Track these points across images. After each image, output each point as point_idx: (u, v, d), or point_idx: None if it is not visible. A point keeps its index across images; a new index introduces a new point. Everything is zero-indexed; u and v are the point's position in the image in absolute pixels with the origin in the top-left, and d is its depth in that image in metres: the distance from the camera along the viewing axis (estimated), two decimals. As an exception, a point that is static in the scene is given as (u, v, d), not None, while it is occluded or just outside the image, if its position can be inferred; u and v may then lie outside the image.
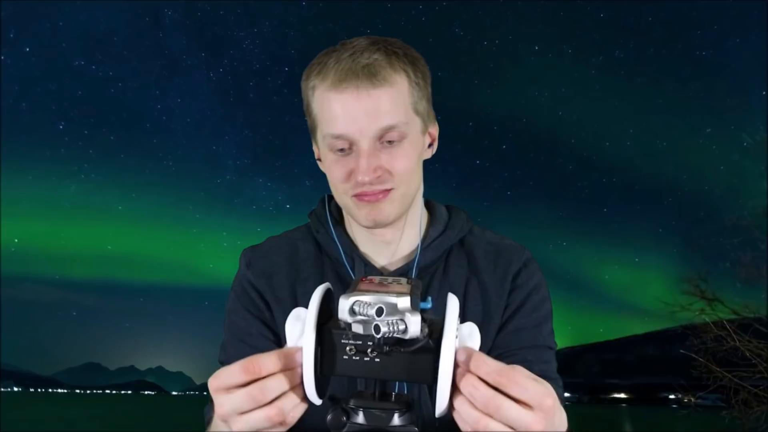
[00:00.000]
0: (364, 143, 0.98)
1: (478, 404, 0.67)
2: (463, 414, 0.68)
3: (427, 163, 1.11)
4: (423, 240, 1.13)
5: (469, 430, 0.69)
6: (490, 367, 0.67)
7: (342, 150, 1.00)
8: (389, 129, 0.98)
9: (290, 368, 0.71)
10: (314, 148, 1.12)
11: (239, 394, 0.70)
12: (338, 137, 0.99)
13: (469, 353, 0.69)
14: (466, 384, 0.67)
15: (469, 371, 0.68)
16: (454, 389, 0.69)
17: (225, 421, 0.73)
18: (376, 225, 1.05)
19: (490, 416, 0.67)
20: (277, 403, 0.70)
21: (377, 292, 0.66)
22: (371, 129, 0.97)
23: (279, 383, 0.70)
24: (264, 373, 0.70)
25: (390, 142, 0.99)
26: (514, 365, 0.69)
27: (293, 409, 0.72)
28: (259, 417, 0.70)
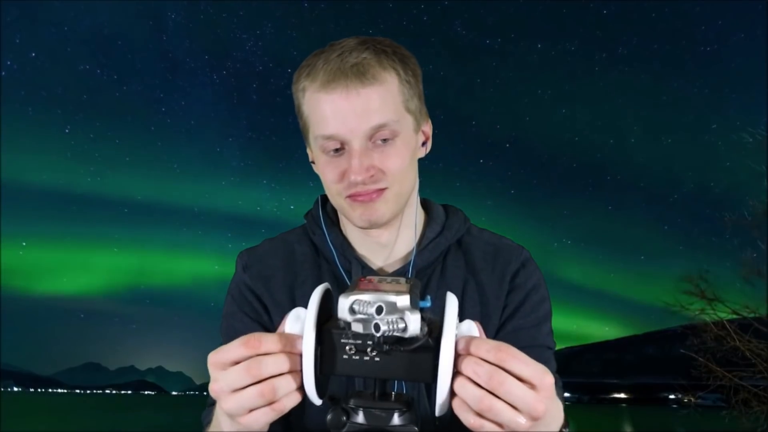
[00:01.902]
0: (356, 143, 0.97)
1: (481, 380, 0.67)
2: (466, 394, 0.67)
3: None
4: (420, 241, 1.12)
5: (471, 418, 0.68)
6: (489, 344, 0.68)
7: (334, 151, 1.00)
8: (380, 128, 0.97)
9: (290, 352, 0.71)
10: (308, 150, 1.11)
11: (236, 368, 0.70)
12: (329, 138, 0.98)
13: (468, 341, 0.69)
14: (468, 363, 0.67)
15: (469, 354, 0.68)
16: (455, 375, 0.68)
17: (217, 398, 0.72)
18: (371, 225, 1.04)
19: (494, 394, 0.67)
20: (272, 381, 0.70)
21: (376, 291, 0.67)
22: (362, 128, 0.96)
23: (277, 362, 0.70)
24: (263, 350, 0.70)
25: (382, 140, 0.99)
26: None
27: (287, 395, 0.71)
28: (251, 394, 0.69)
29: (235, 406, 0.70)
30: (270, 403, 0.71)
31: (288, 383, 0.71)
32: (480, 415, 0.68)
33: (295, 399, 0.72)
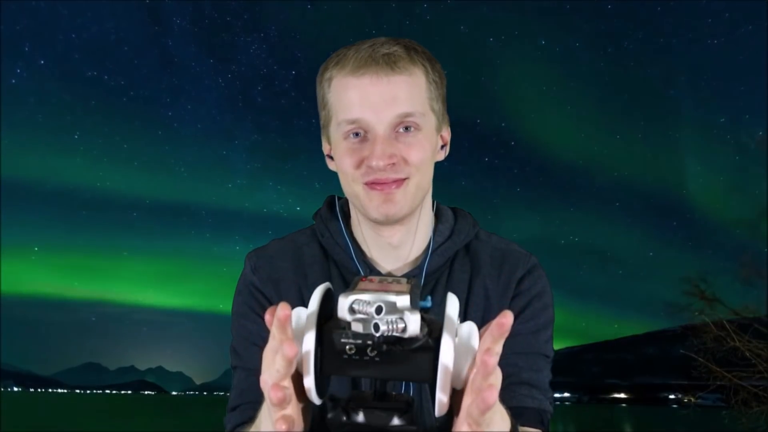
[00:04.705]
0: (380, 129, 0.98)
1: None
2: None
3: (435, 162, 1.11)
4: (429, 245, 1.12)
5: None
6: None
7: (357, 135, 1.00)
8: (406, 116, 0.99)
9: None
10: (324, 145, 1.11)
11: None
12: (354, 122, 0.99)
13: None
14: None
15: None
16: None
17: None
18: (388, 219, 1.02)
19: None
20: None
21: (377, 290, 0.67)
22: (388, 115, 0.98)
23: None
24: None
25: (406, 129, 1.00)
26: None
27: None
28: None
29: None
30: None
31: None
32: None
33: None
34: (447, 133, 1.11)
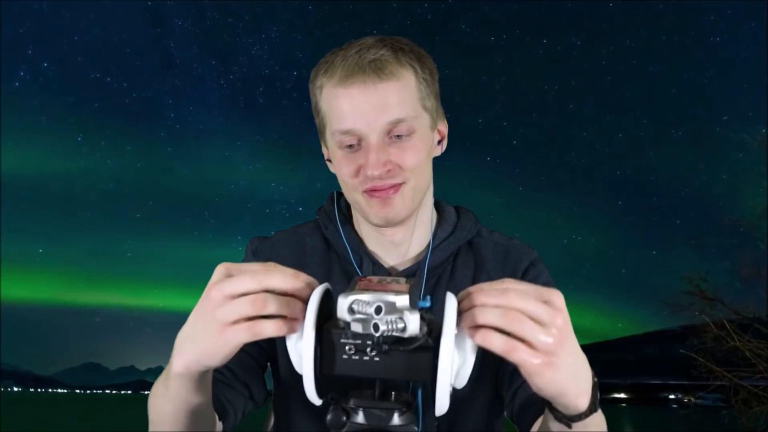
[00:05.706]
0: (373, 137, 0.98)
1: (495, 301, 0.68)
2: (487, 316, 0.67)
3: (437, 161, 1.11)
4: (431, 241, 1.13)
5: (498, 341, 0.67)
6: (494, 287, 0.69)
7: (351, 146, 1.01)
8: (397, 123, 0.98)
9: (296, 296, 0.72)
10: (323, 149, 1.12)
11: (240, 301, 0.70)
12: (347, 133, 0.99)
13: (462, 296, 0.71)
14: (478, 297, 0.68)
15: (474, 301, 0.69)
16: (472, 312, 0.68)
17: (213, 300, 0.71)
18: (388, 223, 1.04)
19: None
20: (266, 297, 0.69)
21: (376, 290, 0.67)
22: (379, 123, 0.98)
23: (279, 302, 0.70)
24: (269, 286, 0.70)
25: (399, 136, 0.99)
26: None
27: (269, 322, 0.70)
28: (243, 302, 0.69)
29: (228, 311, 0.70)
30: (251, 320, 0.70)
31: (277, 307, 0.70)
32: (507, 335, 0.67)
33: (273, 330, 0.70)
34: (444, 127, 1.11)
